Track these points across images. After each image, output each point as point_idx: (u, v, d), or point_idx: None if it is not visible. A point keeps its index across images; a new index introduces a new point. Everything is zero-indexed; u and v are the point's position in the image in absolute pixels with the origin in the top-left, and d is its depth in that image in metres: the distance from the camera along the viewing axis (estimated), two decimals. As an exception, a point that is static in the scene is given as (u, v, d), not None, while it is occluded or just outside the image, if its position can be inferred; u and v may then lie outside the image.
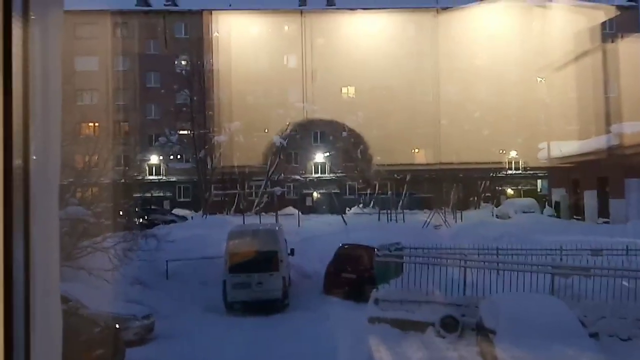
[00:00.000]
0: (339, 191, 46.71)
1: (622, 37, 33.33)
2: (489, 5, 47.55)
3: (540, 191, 45.65)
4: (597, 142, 32.72)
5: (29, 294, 1.26)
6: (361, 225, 29.62)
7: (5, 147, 1.18)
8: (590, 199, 33.29)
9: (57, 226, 1.45)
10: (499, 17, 47.47)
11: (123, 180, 24.97)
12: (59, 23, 1.40)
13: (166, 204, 45.62)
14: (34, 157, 1.26)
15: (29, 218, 1.25)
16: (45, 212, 1.35)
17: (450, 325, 12.53)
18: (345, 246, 19.46)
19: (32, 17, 1.24)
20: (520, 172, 47.26)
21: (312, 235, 24.57)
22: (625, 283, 12.53)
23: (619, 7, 45.74)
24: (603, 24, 40.33)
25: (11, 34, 1.18)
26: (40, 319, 1.31)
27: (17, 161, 1.20)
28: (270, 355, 12.57)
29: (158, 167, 48.43)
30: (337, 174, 48.11)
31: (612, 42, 33.01)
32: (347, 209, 41.92)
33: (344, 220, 32.03)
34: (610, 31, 41.66)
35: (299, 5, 51.16)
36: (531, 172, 46.30)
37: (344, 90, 48.70)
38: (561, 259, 16.00)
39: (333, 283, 17.87)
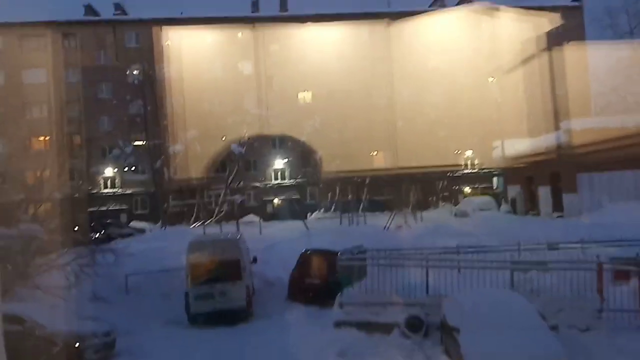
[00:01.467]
0: (299, 197, 46.66)
1: (567, 40, 34.72)
2: (439, 14, 48.55)
3: (497, 189, 46.69)
4: (548, 140, 33.68)
5: None
6: (323, 229, 29.63)
7: None
8: (544, 194, 34.23)
9: None
10: (449, 24, 48.52)
11: (77, 195, 24.36)
12: None
13: (123, 217, 44.69)
14: None
15: None
16: None
17: (415, 326, 12.61)
18: (308, 252, 19.39)
19: None
20: (476, 170, 48.22)
21: (274, 242, 24.44)
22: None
23: (564, 8, 47.33)
24: (549, 30, 41.76)
25: None
26: None
27: None
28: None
29: (113, 179, 47.38)
30: (297, 180, 48.07)
31: (559, 45, 34.30)
32: (309, 214, 41.90)
33: (306, 226, 31.99)
34: (557, 33, 43.04)
35: (252, 12, 51.00)
36: (487, 170, 47.30)
37: (301, 95, 48.74)
38: (519, 255, 16.33)
39: (297, 289, 17.79)
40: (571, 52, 33.49)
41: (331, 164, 45.74)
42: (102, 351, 13.20)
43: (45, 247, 16.46)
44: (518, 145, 37.14)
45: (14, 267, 15.72)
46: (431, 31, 48.14)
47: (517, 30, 44.15)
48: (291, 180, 48.26)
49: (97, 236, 22.68)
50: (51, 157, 20.07)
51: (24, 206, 17.81)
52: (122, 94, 46.63)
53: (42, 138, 44.62)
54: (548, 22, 43.23)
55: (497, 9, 47.54)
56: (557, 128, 33.10)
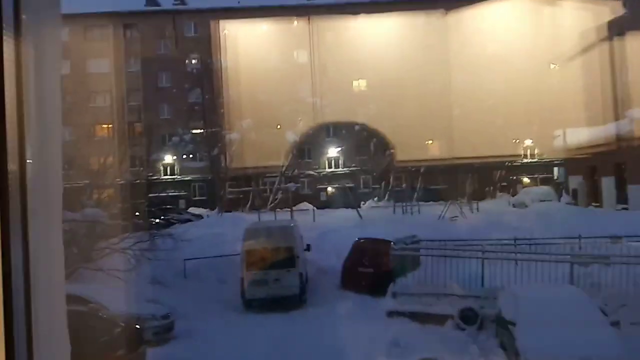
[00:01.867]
0: (353, 185, 46.63)
1: (630, 28, 33.25)
2: (497, 3, 47.23)
3: (557, 179, 45.24)
4: (613, 128, 32.35)
5: (29, 301, 1.25)
6: (376, 218, 29.53)
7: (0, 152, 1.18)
8: (608, 185, 32.95)
9: (60, 230, 1.45)
10: (508, 12, 47.17)
11: (138, 181, 25.14)
12: (55, 25, 1.40)
13: (182, 203, 45.86)
14: (30, 161, 1.26)
15: (27, 223, 1.25)
16: (46, 216, 1.35)
17: (469, 318, 12.47)
18: (362, 240, 19.41)
19: (24, 17, 1.25)
20: (536, 160, 46.86)
21: (327, 230, 24.55)
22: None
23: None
24: (611, 18, 40.07)
25: (2, 36, 1.18)
26: (43, 327, 1.30)
27: (12, 166, 1.20)
28: (290, 352, 12.59)
29: (172, 166, 48.70)
30: (351, 168, 48.03)
31: (621, 33, 32.97)
32: (362, 202, 41.83)
33: (359, 214, 31.96)
34: (619, 21, 41.17)
35: (308, 0, 51.03)
36: (547, 160, 45.88)
37: (355, 83, 48.52)
38: (580, 248, 15.84)
39: (350, 278, 17.85)
40: (634, 41, 32.03)
41: (386, 152, 45.44)
42: (160, 333, 13.69)
43: (108, 232, 17.11)
44: (580, 135, 35.81)
45: (78, 250, 16.45)
46: (489, 19, 46.90)
47: (578, 18, 42.41)
48: (345, 169, 48.26)
49: (156, 221, 23.35)
50: (114, 144, 20.78)
51: (88, 191, 18.53)
52: (181, 83, 47.73)
53: (105, 126, 46.28)
54: (610, 10, 41.36)
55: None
56: (621, 117, 31.75)
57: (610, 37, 34.74)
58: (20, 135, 1.24)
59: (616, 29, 35.30)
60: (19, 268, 1.22)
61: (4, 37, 1.18)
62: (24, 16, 1.24)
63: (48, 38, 1.36)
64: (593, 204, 34.27)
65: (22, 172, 1.24)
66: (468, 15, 46.67)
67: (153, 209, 25.46)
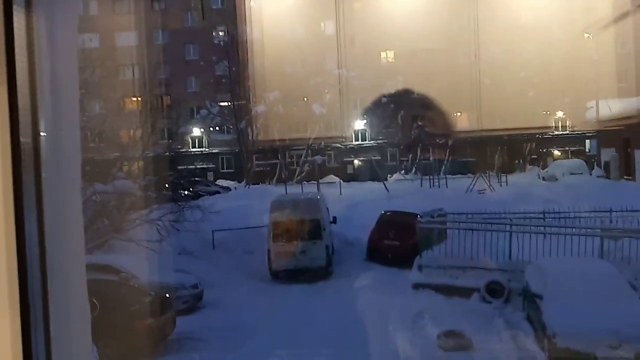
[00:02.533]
0: (380, 158, 46.41)
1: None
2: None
3: (589, 152, 44.30)
4: (648, 99, 31.42)
5: (45, 273, 1.26)
6: (403, 191, 29.43)
7: (11, 125, 1.18)
8: (641, 158, 32.17)
9: (79, 203, 1.46)
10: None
11: (167, 153, 25.40)
12: None
13: (210, 176, 46.29)
14: (44, 134, 1.26)
15: (42, 197, 1.25)
16: (63, 189, 1.35)
17: (496, 291, 12.44)
18: (388, 213, 19.40)
19: None
20: (567, 132, 45.90)
21: (354, 203, 24.58)
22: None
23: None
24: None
25: (12, 7, 1.18)
26: (61, 299, 1.31)
27: (24, 139, 1.21)
28: (316, 322, 12.76)
29: (200, 139, 49.07)
30: (378, 141, 47.74)
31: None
32: (389, 175, 41.67)
33: (386, 187, 31.88)
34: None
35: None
36: (579, 132, 44.90)
37: (383, 55, 47.91)
38: (611, 221, 15.57)
39: (376, 250, 17.92)
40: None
41: (413, 124, 44.99)
42: (189, 302, 14.00)
43: (138, 203, 17.42)
44: (614, 106, 34.85)
45: (110, 221, 16.81)
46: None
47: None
48: (372, 141, 48.00)
49: (185, 193, 23.66)
50: (143, 117, 20.91)
51: (118, 164, 18.83)
52: (208, 55, 47.73)
53: (134, 99, 46.70)
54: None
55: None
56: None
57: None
58: (33, 108, 1.23)
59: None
60: (33, 242, 1.22)
61: (15, 8, 1.18)
62: None
63: (62, 9, 1.35)
64: (625, 177, 33.55)
65: (36, 145, 1.24)
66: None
67: (181, 181, 25.80)
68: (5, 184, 1.17)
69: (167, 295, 12.30)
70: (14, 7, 1.17)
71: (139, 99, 46.18)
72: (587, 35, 43.66)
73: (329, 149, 45.94)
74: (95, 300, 8.41)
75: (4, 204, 1.17)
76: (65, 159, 1.38)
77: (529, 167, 44.18)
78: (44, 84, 1.27)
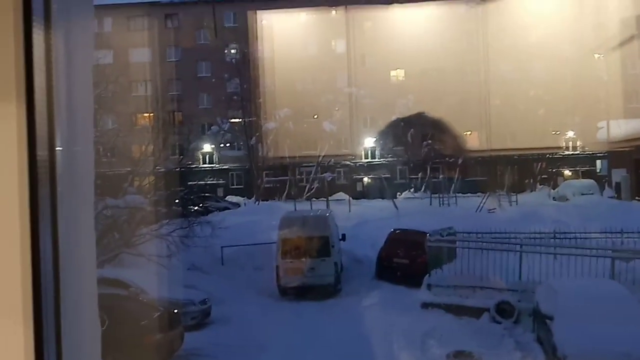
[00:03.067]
0: (389, 176, 46.38)
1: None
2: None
3: (600, 172, 44.05)
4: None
5: (58, 287, 1.27)
6: (412, 209, 29.38)
7: (29, 140, 1.21)
8: (653, 179, 31.96)
9: (91, 218, 1.47)
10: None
11: (178, 169, 25.53)
12: (87, 14, 1.42)
13: (220, 191, 46.43)
14: (60, 149, 1.28)
15: (57, 211, 1.26)
16: (76, 204, 1.37)
17: (506, 311, 12.34)
18: (397, 231, 19.36)
19: (55, 7, 1.27)
20: (578, 152, 45.72)
21: (363, 221, 24.55)
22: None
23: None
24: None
25: (31, 26, 1.21)
26: (72, 313, 1.33)
27: (41, 153, 1.22)
28: (324, 340, 12.70)
29: (211, 155, 49.33)
30: (388, 159, 47.76)
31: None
32: (398, 193, 41.62)
33: (395, 205, 31.82)
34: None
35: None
36: (590, 152, 44.72)
37: (393, 73, 48.14)
38: (622, 242, 15.44)
39: (385, 268, 17.85)
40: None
41: (423, 142, 45.00)
42: (198, 318, 13.99)
43: (148, 218, 17.50)
44: (625, 126, 34.77)
45: (120, 236, 16.88)
46: (531, 3, 45.75)
47: (625, 3, 40.95)
48: (381, 159, 48.03)
49: (195, 209, 23.74)
50: (154, 132, 21.06)
51: (130, 179, 18.95)
52: (220, 72, 48.17)
53: (146, 114, 47.09)
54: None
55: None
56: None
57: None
58: (50, 123, 1.25)
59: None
60: (47, 256, 1.23)
61: (34, 26, 1.21)
62: (54, 6, 1.26)
63: (79, 28, 1.38)
64: (637, 198, 33.31)
65: (52, 159, 1.26)
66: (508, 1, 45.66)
67: (192, 197, 25.90)
68: (22, 197, 1.20)
69: (176, 310, 12.31)
70: (34, 24, 1.21)
71: (151, 114, 46.50)
72: (598, 55, 43.69)
73: (338, 166, 46.02)
74: (104, 315, 8.44)
75: (20, 216, 1.19)
76: (79, 173, 1.40)
77: (539, 186, 43.96)
78: (60, 99, 1.29)
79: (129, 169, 19.18)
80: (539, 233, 17.01)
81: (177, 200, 20.60)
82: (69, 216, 1.32)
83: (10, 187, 1.20)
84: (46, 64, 1.25)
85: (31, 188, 1.20)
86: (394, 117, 45.82)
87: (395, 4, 46.77)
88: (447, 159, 43.63)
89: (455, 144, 43.95)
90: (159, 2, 47.72)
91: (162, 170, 20.38)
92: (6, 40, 1.19)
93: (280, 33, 47.91)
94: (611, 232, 16.18)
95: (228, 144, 48.47)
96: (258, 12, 48.16)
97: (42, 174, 1.22)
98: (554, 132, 44.68)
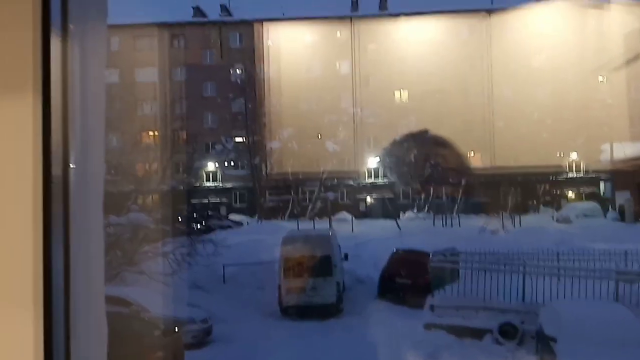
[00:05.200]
0: (392, 196, 46.38)
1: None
2: (543, 6, 46.30)
3: (603, 194, 43.96)
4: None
5: (69, 303, 1.29)
6: (415, 230, 29.32)
7: (44, 157, 1.23)
8: (657, 202, 31.88)
9: (101, 235, 1.49)
10: (554, 17, 46.13)
11: (181, 187, 25.62)
12: (101, 34, 1.45)
13: (222, 210, 46.46)
14: (73, 167, 1.32)
15: (69, 228, 1.30)
16: (87, 221, 1.39)
17: (509, 333, 12.27)
18: (400, 251, 19.31)
19: (71, 27, 1.30)
20: (581, 174, 45.69)
21: (365, 240, 24.51)
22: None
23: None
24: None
25: (49, 45, 1.24)
26: (82, 329, 1.34)
27: (56, 171, 1.26)
28: (325, 360, 12.62)
29: (215, 173, 49.45)
30: (391, 179, 47.78)
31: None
32: (401, 213, 41.58)
33: (398, 225, 31.80)
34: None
35: (351, 11, 51.28)
36: (593, 174, 44.68)
37: (397, 94, 48.41)
38: (626, 264, 15.37)
39: (387, 288, 17.78)
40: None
41: (426, 163, 45.02)
42: (199, 337, 13.92)
43: (151, 236, 17.52)
44: (629, 149, 34.81)
45: (122, 253, 16.89)
46: (533, 25, 46.06)
47: (628, 25, 41.24)
48: (384, 179, 48.07)
49: (198, 227, 23.77)
50: (159, 151, 21.20)
51: (133, 197, 19.02)
52: (225, 92, 48.53)
53: (151, 133, 47.37)
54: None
55: (608, 2, 44.59)
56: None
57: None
58: (65, 140, 1.28)
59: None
60: (59, 273, 1.26)
61: (52, 46, 1.26)
62: (71, 25, 1.30)
63: (94, 47, 1.42)
64: (641, 220, 33.24)
65: (65, 177, 1.29)
66: (512, 20, 45.96)
67: (195, 215, 25.96)
68: (35, 213, 1.23)
69: (176, 329, 12.27)
70: (51, 45, 1.25)
71: (156, 133, 46.81)
72: (601, 78, 43.88)
73: (341, 186, 46.08)
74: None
75: (33, 232, 1.22)
76: (90, 191, 1.42)
77: (542, 208, 43.88)
78: (75, 117, 1.33)
79: (132, 186, 19.26)
80: (543, 254, 16.95)
81: (180, 219, 20.63)
82: (80, 233, 1.35)
83: (25, 203, 1.23)
84: (62, 83, 1.29)
85: (45, 204, 1.23)
86: (397, 137, 45.95)
87: (402, 16, 47.20)
88: (450, 179, 43.63)
89: (459, 164, 43.98)
90: (165, 22, 48.25)
91: (166, 188, 20.47)
92: (24, 61, 1.23)
93: (285, 54, 48.34)
94: (615, 254, 16.11)
95: (232, 163, 48.66)
96: (264, 32, 48.65)
97: (55, 190, 1.26)
98: (557, 155, 44.73)
